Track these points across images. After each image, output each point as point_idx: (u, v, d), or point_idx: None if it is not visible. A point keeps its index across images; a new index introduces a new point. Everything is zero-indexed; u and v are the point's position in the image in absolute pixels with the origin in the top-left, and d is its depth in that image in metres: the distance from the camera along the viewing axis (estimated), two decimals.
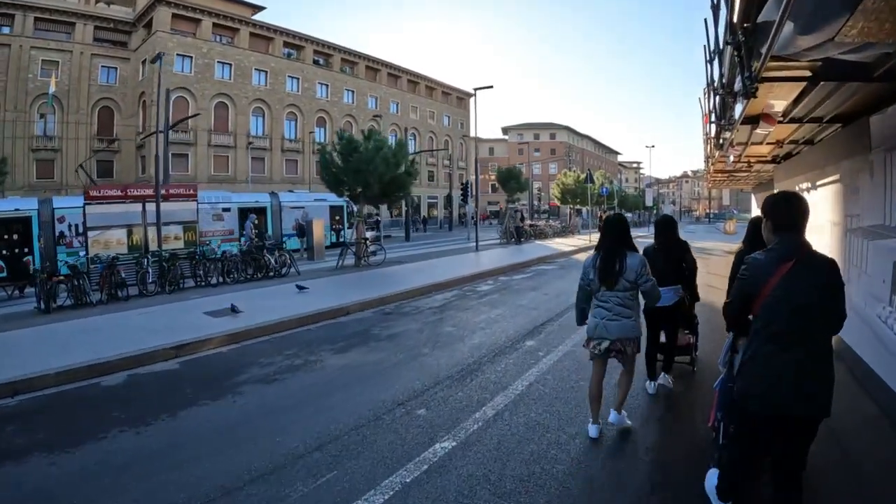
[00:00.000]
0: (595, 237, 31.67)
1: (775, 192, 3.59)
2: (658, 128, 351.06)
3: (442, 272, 16.41)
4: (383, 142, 19.81)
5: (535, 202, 63.80)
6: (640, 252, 4.80)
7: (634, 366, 4.79)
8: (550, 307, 11.27)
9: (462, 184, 36.83)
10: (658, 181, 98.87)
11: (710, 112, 9.38)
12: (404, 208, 40.75)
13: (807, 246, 2.83)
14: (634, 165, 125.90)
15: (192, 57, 43.53)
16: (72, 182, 39.98)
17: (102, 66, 44.57)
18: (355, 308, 11.20)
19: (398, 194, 20.60)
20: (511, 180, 30.99)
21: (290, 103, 49.12)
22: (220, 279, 15.67)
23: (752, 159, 12.50)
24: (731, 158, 12.27)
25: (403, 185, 20.16)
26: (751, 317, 3.01)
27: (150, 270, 14.01)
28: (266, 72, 47.88)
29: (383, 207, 37.99)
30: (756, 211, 25.98)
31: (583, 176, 43.85)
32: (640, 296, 4.57)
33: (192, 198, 19.21)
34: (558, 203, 42.79)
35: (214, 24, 45.07)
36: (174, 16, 42.61)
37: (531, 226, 34.18)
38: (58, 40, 42.22)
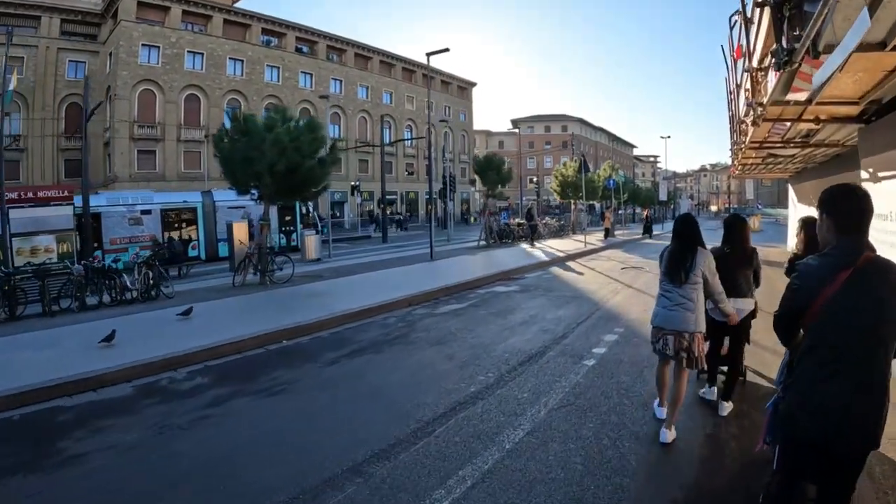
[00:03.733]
0: (589, 239, 27.57)
1: (839, 183, 2.56)
2: (676, 120, 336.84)
3: (351, 297, 11.54)
4: (275, 119, 14.64)
5: (547, 198, 57.94)
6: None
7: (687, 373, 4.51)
8: (412, 402, 5.93)
9: (443, 177, 31.47)
10: (675, 175, 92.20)
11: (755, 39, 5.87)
12: (376, 207, 35.19)
13: (869, 250, 2.36)
14: (651, 159, 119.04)
15: (159, 47, 39.33)
16: (38, 183, 36.56)
17: (70, 61, 40.96)
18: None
19: (309, 190, 15.31)
20: (490, 170, 25.40)
21: (269, 94, 44.41)
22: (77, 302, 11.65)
23: (824, 116, 7.03)
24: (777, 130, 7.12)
25: (314, 177, 14.93)
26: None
27: None
28: (242, 61, 43.35)
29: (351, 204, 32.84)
30: (793, 206, 21.44)
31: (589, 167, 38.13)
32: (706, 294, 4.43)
33: (65, 201, 14.39)
34: (558, 197, 36.95)
35: (185, 12, 40.68)
36: (141, 4, 38.45)
37: (518, 225, 28.68)
38: (22, 35, 38.17)
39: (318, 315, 9.71)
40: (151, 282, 12.95)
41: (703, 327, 4.40)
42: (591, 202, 40.82)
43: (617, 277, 14.22)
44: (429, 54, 19.61)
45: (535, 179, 48.18)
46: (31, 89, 38.54)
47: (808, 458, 2.47)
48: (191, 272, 20.13)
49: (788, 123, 7.75)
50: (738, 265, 5.09)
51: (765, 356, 6.55)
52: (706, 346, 5.07)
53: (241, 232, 19.98)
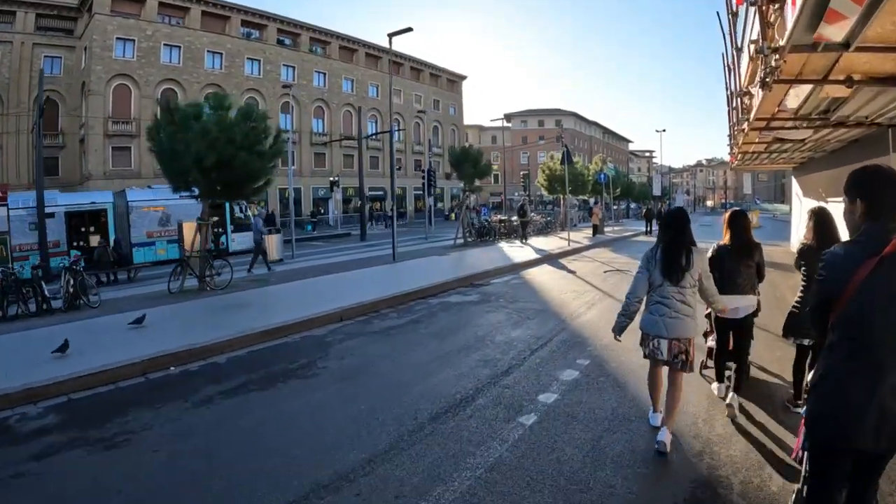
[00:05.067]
0: (575, 236, 25.47)
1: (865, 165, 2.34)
2: (672, 115, 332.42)
3: (281, 309, 9.86)
4: (199, 107, 12.66)
5: (540, 194, 55.53)
6: (712, 250, 4.90)
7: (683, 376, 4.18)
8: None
9: (423, 171, 29.35)
10: (671, 170, 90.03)
11: None
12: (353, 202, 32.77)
13: None
14: (647, 154, 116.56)
15: (134, 40, 37.24)
16: (13, 182, 35.00)
17: (46, 56, 38.64)
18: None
19: (249, 186, 13.24)
20: (466, 163, 23.25)
21: (249, 87, 42.16)
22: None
23: (859, 75, 4.98)
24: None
25: (251, 172, 12.87)
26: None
27: None
28: (221, 54, 41.12)
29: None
30: (797, 200, 19.37)
31: (577, 160, 35.90)
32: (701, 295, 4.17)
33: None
34: (546, 192, 34.77)
35: (161, 4, 38.47)
36: None
37: (500, 222, 26.60)
38: None
39: (229, 333, 7.89)
40: (71, 290, 11.11)
41: (698, 330, 4.27)
42: (584, 197, 38.54)
43: (597, 284, 12.13)
44: (391, 35, 17.50)
45: (523, 174, 45.65)
46: (5, 85, 36.77)
47: (837, 458, 2.26)
48: (139, 276, 18.15)
49: (808, 90, 5.67)
50: (741, 259, 4.82)
51: (771, 353, 6.35)
52: (713, 343, 5.31)
53: (191, 232, 17.97)
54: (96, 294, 11.81)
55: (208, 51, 40.45)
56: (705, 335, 5.95)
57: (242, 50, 42.35)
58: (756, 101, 6.83)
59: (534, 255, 17.59)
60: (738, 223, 4.93)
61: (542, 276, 13.76)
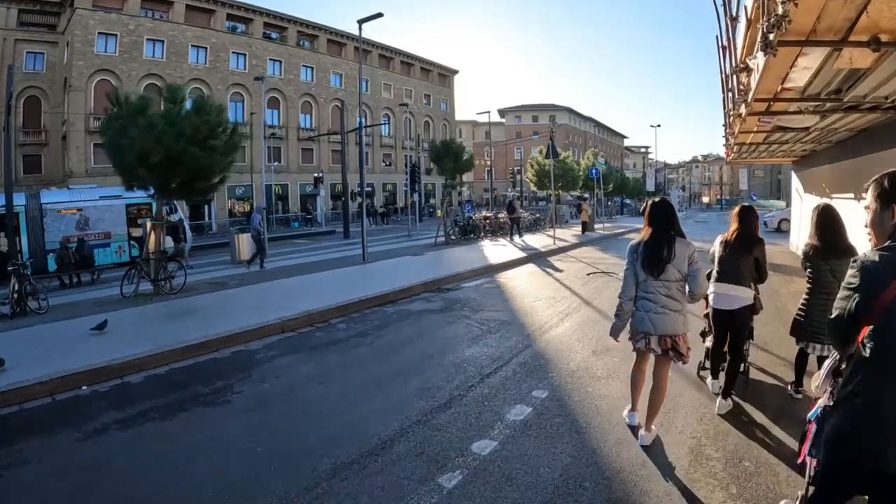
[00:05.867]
0: (563, 234, 24.40)
1: None
2: (668, 112, 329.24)
3: (225, 317, 8.86)
4: (146, 100, 11.64)
5: (534, 189, 54.35)
6: (717, 241, 4.88)
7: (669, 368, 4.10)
8: None
9: (407, 166, 28.21)
10: (667, 166, 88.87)
11: None
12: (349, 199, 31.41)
13: None
14: (642, 150, 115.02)
15: (116, 35, 36.03)
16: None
17: (28, 52, 37.82)
18: None
19: (202, 184, 12.13)
20: (447, 157, 22.02)
21: (235, 83, 40.96)
22: None
23: (886, 35, 3.73)
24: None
25: (203, 169, 11.77)
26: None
27: None
28: (206, 48, 39.97)
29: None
30: (797, 197, 18.14)
31: (567, 155, 34.72)
32: (689, 286, 3.91)
33: None
34: (535, 188, 33.59)
35: None
36: None
37: (485, 219, 25.41)
38: None
39: (152, 348, 6.97)
40: (16, 295, 10.38)
41: (689, 327, 4.03)
42: (577, 193, 37.26)
43: (576, 288, 10.95)
44: (360, 21, 16.17)
45: (511, 170, 44.27)
46: None
47: (857, 477, 2.11)
48: (102, 277, 16.99)
49: (820, 59, 4.52)
50: (742, 253, 4.71)
51: (768, 353, 6.19)
52: (710, 343, 5.14)
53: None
54: (44, 299, 10.87)
55: (193, 45, 39.26)
56: (704, 335, 5.65)
57: (228, 44, 41.14)
58: (755, 78, 5.66)
59: (514, 255, 16.40)
60: (747, 218, 4.84)
61: (519, 280, 12.60)
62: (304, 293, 10.91)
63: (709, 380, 5.16)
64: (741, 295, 4.67)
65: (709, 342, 5.26)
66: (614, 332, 4.11)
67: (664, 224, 3.94)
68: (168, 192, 12.40)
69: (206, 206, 40.44)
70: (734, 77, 7.29)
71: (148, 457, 4.17)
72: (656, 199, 4.26)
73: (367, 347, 7.19)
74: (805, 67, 4.97)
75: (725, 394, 4.64)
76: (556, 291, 10.68)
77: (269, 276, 13.86)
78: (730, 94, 8.91)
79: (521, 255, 16.64)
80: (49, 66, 37.96)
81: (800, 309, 4.55)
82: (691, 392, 5.11)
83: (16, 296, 10.37)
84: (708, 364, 5.30)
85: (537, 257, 16.51)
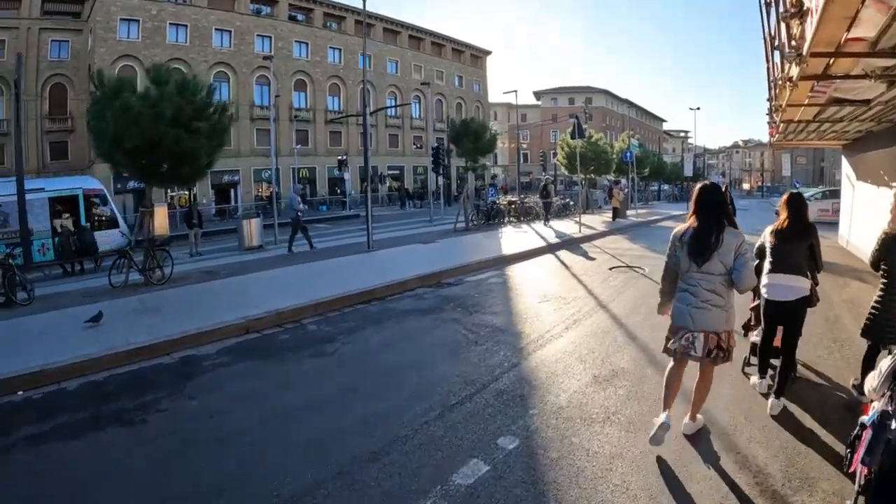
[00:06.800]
0: (592, 220, 22.90)
1: None
2: (708, 94, 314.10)
3: (192, 314, 8.11)
4: (123, 81, 10.94)
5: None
6: (767, 232, 4.64)
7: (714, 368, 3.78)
8: None
9: (433, 149, 26.99)
10: (706, 151, 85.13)
11: None
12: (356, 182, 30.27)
13: None
14: (681, 134, 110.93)
15: (139, 20, 35.67)
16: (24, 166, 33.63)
17: (53, 41, 37.90)
18: None
19: (184, 168, 11.24)
20: (465, 137, 20.67)
21: (260, 66, 40.14)
22: None
23: None
24: None
25: (189, 152, 10.89)
26: None
27: None
28: (230, 31, 39.30)
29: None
30: (848, 185, 16.11)
31: (598, 136, 32.87)
32: (734, 280, 3.52)
33: None
34: (565, 171, 31.91)
35: None
36: None
37: (509, 203, 24.07)
38: (2, 17, 36.06)
39: (97, 350, 6.36)
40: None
41: (733, 324, 3.71)
42: (610, 177, 35.33)
43: (593, 287, 9.50)
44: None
45: (543, 153, 42.36)
46: (12, 71, 35.82)
47: None
48: (104, 264, 16.50)
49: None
50: (796, 242, 4.41)
51: (818, 350, 5.58)
52: (757, 337, 4.86)
53: (159, 218, 16.10)
54: (30, 290, 10.52)
55: (216, 29, 38.68)
56: (748, 328, 5.30)
57: (252, 27, 40.46)
58: (812, 23, 4.21)
59: (532, 245, 14.99)
60: (797, 205, 4.57)
61: (530, 274, 11.27)
62: (290, 286, 9.98)
63: (754, 378, 4.74)
64: (798, 285, 4.33)
65: (754, 337, 4.91)
66: (659, 308, 4.02)
67: (715, 210, 3.61)
68: (154, 178, 11.64)
69: (232, 191, 40.19)
70: (783, 28, 5.78)
71: (26, 489, 3.64)
72: (706, 183, 3.88)
73: (326, 358, 6.15)
74: (878, 9, 3.52)
75: (778, 392, 4.31)
76: (569, 289, 9.32)
77: (263, 265, 13.06)
78: (776, 56, 7.38)
79: (541, 244, 15.24)
80: (74, 54, 38.03)
81: (874, 307, 4.21)
82: (734, 391, 4.65)
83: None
84: (754, 360, 4.92)
85: (558, 247, 15.08)
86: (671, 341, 3.76)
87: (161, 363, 6.23)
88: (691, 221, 3.66)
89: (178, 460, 3.89)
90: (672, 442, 3.70)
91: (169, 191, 34.39)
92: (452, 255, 13.17)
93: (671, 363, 3.83)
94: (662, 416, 3.67)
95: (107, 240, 17.17)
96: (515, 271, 11.58)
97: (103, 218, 18.07)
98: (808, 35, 4.78)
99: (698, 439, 3.80)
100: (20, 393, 5.47)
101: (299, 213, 16.14)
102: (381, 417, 4.33)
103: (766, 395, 4.42)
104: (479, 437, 3.91)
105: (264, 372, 5.78)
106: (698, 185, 3.90)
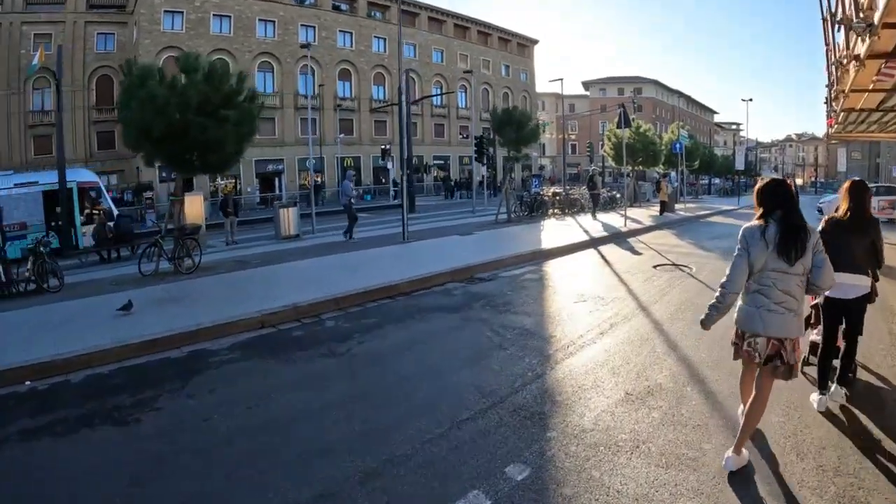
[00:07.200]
0: (638, 214, 21.92)
1: None
2: (761, 86, 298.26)
3: (210, 306, 7.98)
4: (148, 69, 10.93)
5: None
6: (823, 223, 4.31)
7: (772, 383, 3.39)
8: None
9: (477, 138, 26.51)
10: (759, 144, 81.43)
11: None
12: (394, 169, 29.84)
13: None
14: (733, 127, 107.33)
15: (182, 12, 36.23)
16: (69, 156, 34.89)
17: (99, 34, 39.03)
18: None
19: (211, 157, 11.12)
20: (508, 126, 20.04)
21: (304, 55, 40.31)
22: None
23: None
24: None
25: (216, 140, 10.73)
26: None
27: None
28: (273, 21, 39.53)
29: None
30: None
31: (647, 127, 31.63)
32: (813, 279, 3.28)
33: None
34: (612, 162, 30.81)
35: None
36: None
37: (554, 195, 23.32)
38: (49, 12, 37.32)
39: (108, 342, 6.19)
40: (26, 273, 10.40)
41: (803, 330, 3.49)
42: (659, 170, 33.89)
43: (635, 286, 8.74)
44: None
45: (590, 143, 40.87)
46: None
47: None
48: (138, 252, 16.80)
49: None
50: (856, 235, 4.12)
51: (872, 348, 5.16)
52: (817, 336, 4.63)
53: (194, 207, 16.18)
54: (61, 277, 10.67)
55: (260, 19, 38.97)
56: (807, 325, 4.76)
57: (295, 17, 40.58)
58: None
59: (574, 239, 14.26)
60: (860, 194, 4.26)
61: (568, 270, 10.61)
62: (315, 278, 9.75)
63: (814, 395, 4.18)
64: (859, 283, 4.13)
65: (815, 335, 4.69)
66: (707, 322, 3.45)
67: (797, 206, 3.38)
68: (183, 167, 11.59)
69: (277, 179, 40.60)
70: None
71: None
72: (776, 178, 3.65)
73: (336, 359, 5.76)
74: None
75: (841, 379, 4.17)
76: (609, 288, 8.64)
77: (296, 255, 12.95)
78: (838, 35, 6.56)
79: (583, 238, 14.51)
80: (119, 46, 38.91)
81: None
82: (783, 419, 4.03)
83: (27, 274, 10.29)
84: (812, 360, 4.60)
85: (601, 241, 14.30)
86: (738, 344, 3.49)
87: (169, 357, 6.04)
88: (757, 218, 3.37)
89: (159, 468, 3.62)
90: (707, 482, 3.12)
91: (215, 179, 35.00)
92: (488, 249, 12.65)
93: (742, 372, 3.66)
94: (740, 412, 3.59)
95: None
96: (554, 267, 10.95)
97: (98, 211, 17.95)
98: (881, 1, 4.08)
99: (739, 481, 3.18)
100: (27, 383, 5.39)
101: (351, 201, 16.03)
102: (382, 431, 3.91)
103: (824, 414, 3.98)
104: (485, 463, 3.40)
105: (270, 372, 5.46)
106: (769, 180, 3.57)
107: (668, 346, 5.51)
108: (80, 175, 19.03)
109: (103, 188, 18.84)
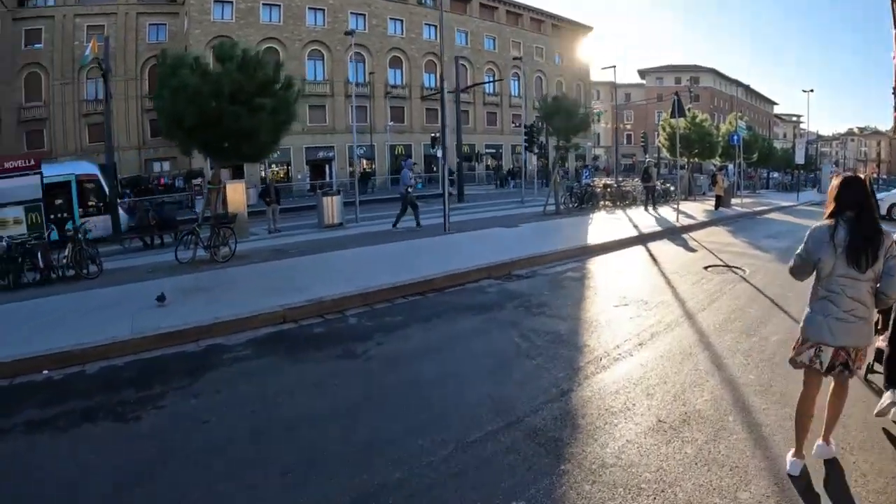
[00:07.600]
0: (692, 208, 20.83)
1: None
2: (822, 75, 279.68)
3: (239, 296, 7.95)
4: (181, 58, 11.04)
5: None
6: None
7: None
8: None
9: (526, 127, 25.99)
10: (819, 137, 77.02)
11: None
12: (440, 159, 29.29)
13: None
14: (793, 119, 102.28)
15: (232, 2, 37.03)
16: (123, 144, 37.46)
17: (150, 24, 40.45)
18: None
19: (245, 146, 11.06)
20: (557, 115, 19.34)
21: (354, 43, 40.41)
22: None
23: None
24: None
25: (249, 129, 10.65)
26: None
27: None
28: (323, 10, 39.94)
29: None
30: None
31: (704, 117, 30.19)
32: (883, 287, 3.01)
33: (32, 171, 11.77)
34: (667, 153, 29.52)
35: None
36: None
37: (605, 187, 22.55)
38: (102, 4, 38.99)
39: (126, 333, 6.21)
40: (64, 260, 10.64)
41: (872, 338, 3.28)
42: (715, 162, 32.26)
43: (682, 290, 8.06)
44: None
45: (644, 133, 39.15)
46: (112, 55, 38.61)
47: None
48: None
49: None
50: None
51: None
52: (883, 343, 4.07)
53: (236, 194, 16.26)
54: (99, 263, 10.82)
55: (310, 7, 39.46)
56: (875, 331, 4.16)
57: (345, 5, 40.77)
58: None
59: (622, 234, 13.54)
60: None
61: (613, 268, 10.03)
62: (347, 270, 9.63)
63: (886, 400, 3.72)
64: None
65: (881, 341, 4.22)
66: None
67: (871, 207, 3.09)
68: (218, 155, 11.60)
69: (327, 166, 40.96)
70: None
71: None
72: (852, 175, 3.37)
73: (352, 361, 5.53)
74: None
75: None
76: (654, 291, 8.04)
77: (335, 244, 12.91)
78: None
79: (632, 233, 13.80)
80: (171, 36, 39.95)
81: None
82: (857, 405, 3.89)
83: (64, 261, 10.53)
84: (878, 367, 4.23)
85: (651, 237, 13.55)
86: (801, 354, 3.23)
87: (185, 351, 5.96)
88: (830, 219, 3.10)
89: (145, 472, 3.50)
90: None
91: (269, 165, 35.55)
92: (531, 243, 12.13)
93: (804, 388, 3.26)
94: (793, 465, 3.17)
95: (99, 226, 16.75)
96: (598, 264, 10.40)
97: (98, 204, 17.98)
98: None
99: None
100: (45, 372, 5.41)
101: (409, 189, 15.79)
102: (384, 445, 3.66)
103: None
104: (484, 498, 3.00)
105: (281, 372, 5.26)
106: (847, 176, 3.31)
107: (712, 364, 4.94)
108: (80, 168, 18.91)
109: (102, 180, 18.46)
